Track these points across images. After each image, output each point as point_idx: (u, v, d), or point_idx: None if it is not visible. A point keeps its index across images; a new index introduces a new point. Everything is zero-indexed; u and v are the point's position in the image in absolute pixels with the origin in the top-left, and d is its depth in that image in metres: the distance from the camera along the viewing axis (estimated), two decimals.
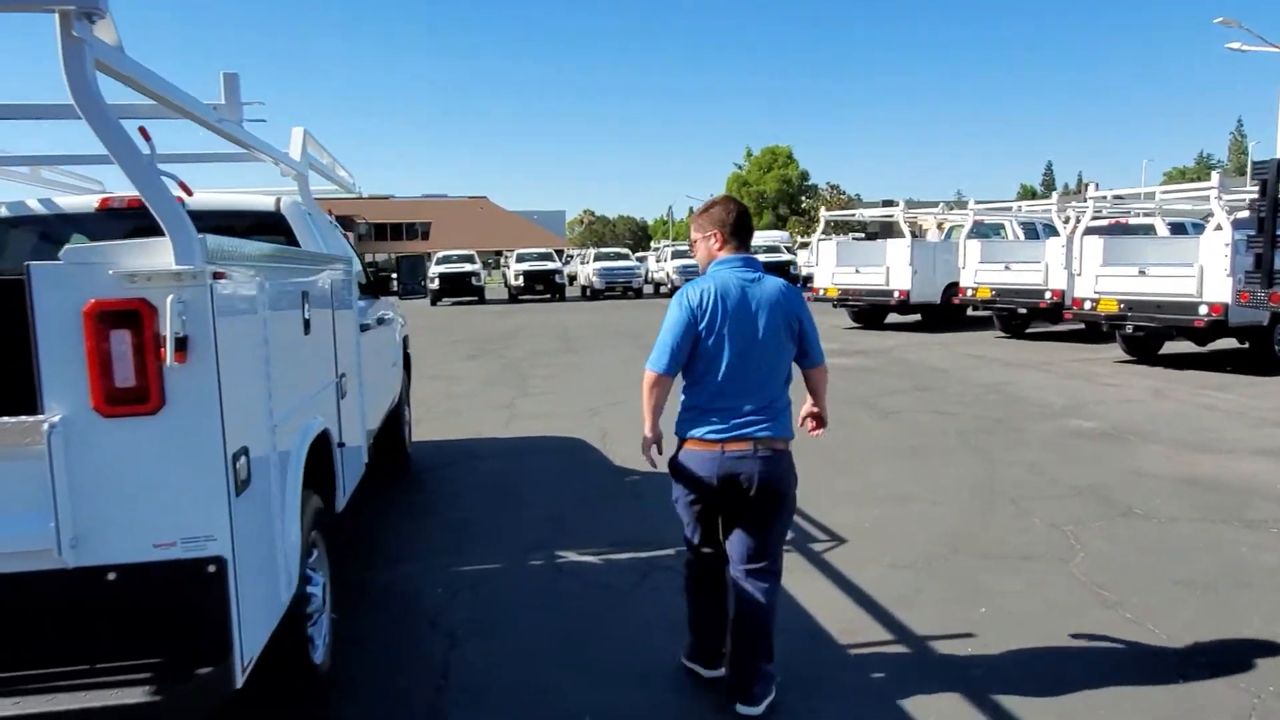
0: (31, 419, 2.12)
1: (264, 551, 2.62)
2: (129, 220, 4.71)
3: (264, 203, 4.81)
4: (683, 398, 3.33)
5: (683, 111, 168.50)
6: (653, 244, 71.95)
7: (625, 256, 36.24)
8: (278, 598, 2.77)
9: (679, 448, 3.36)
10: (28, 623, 2.25)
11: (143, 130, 2.15)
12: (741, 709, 3.24)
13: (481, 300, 32.73)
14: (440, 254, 35.32)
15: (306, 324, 3.35)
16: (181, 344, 2.17)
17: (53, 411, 2.16)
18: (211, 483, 2.27)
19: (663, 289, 35.05)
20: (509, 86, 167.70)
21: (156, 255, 2.18)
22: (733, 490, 3.24)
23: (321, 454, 3.75)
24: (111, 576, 2.23)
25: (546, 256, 35.07)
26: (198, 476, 2.26)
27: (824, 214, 20.81)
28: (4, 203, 4.62)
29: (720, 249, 3.34)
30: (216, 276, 2.28)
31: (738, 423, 3.21)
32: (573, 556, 5.09)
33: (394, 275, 6.55)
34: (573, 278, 39.91)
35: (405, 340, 7.55)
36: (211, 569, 2.27)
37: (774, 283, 3.30)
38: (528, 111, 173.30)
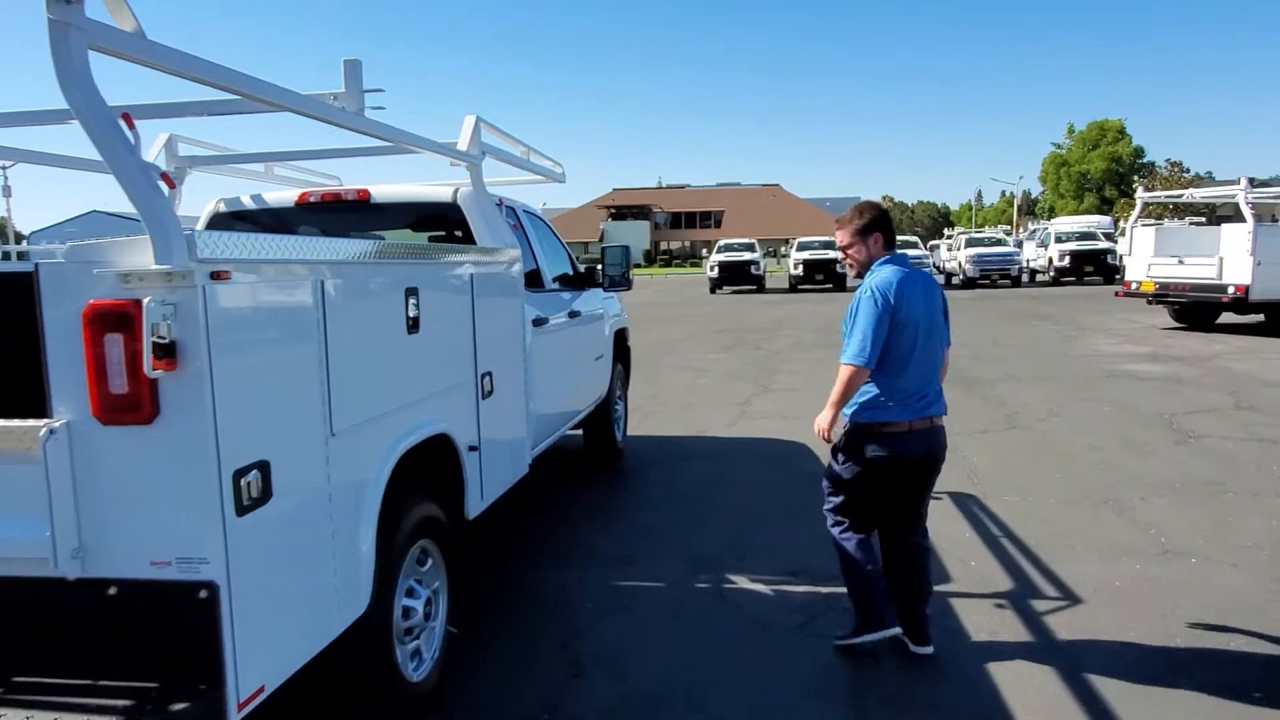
0: (28, 423, 2.05)
1: (294, 571, 2.42)
2: (324, 213, 4.89)
3: (442, 194, 4.76)
4: (868, 385, 3.56)
5: (991, 87, 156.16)
6: (945, 232, 67.47)
7: (915, 245, 34.09)
8: (326, 619, 2.57)
9: (864, 431, 3.61)
10: (31, 631, 2.22)
11: (126, 117, 1.99)
12: (920, 649, 3.69)
13: (760, 289, 32.38)
14: (721, 242, 35.43)
15: (413, 322, 3.15)
16: (167, 350, 2.00)
17: (59, 416, 2.08)
18: (204, 502, 2.08)
19: (955, 280, 32.57)
20: (804, 72, 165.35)
21: (146, 254, 2.02)
22: (922, 465, 3.65)
23: (439, 458, 3.58)
24: (112, 591, 2.13)
25: (829, 245, 33.78)
26: (190, 494, 2.08)
27: (1141, 194, 17.89)
28: (224, 199, 4.96)
29: (882, 250, 3.66)
30: (216, 277, 2.08)
31: (921, 404, 3.60)
32: (743, 582, 4.57)
33: (600, 267, 6.35)
34: None
35: (622, 333, 7.36)
36: (203, 594, 2.09)
37: (925, 274, 3.74)
38: (823, 97, 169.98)
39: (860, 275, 3.67)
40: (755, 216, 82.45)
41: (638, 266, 69.71)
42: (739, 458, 7.33)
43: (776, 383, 11.18)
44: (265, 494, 2.25)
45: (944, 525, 5.24)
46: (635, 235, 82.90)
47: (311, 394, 2.50)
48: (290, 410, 2.39)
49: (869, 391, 3.57)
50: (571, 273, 6.39)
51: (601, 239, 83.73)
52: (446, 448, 3.56)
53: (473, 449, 3.78)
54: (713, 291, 32.28)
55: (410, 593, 3.26)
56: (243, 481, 2.16)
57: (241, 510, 2.15)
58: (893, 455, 3.56)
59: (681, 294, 33.38)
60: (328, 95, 3.21)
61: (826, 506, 3.85)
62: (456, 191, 4.71)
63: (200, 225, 4.93)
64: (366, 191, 4.81)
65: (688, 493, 6.30)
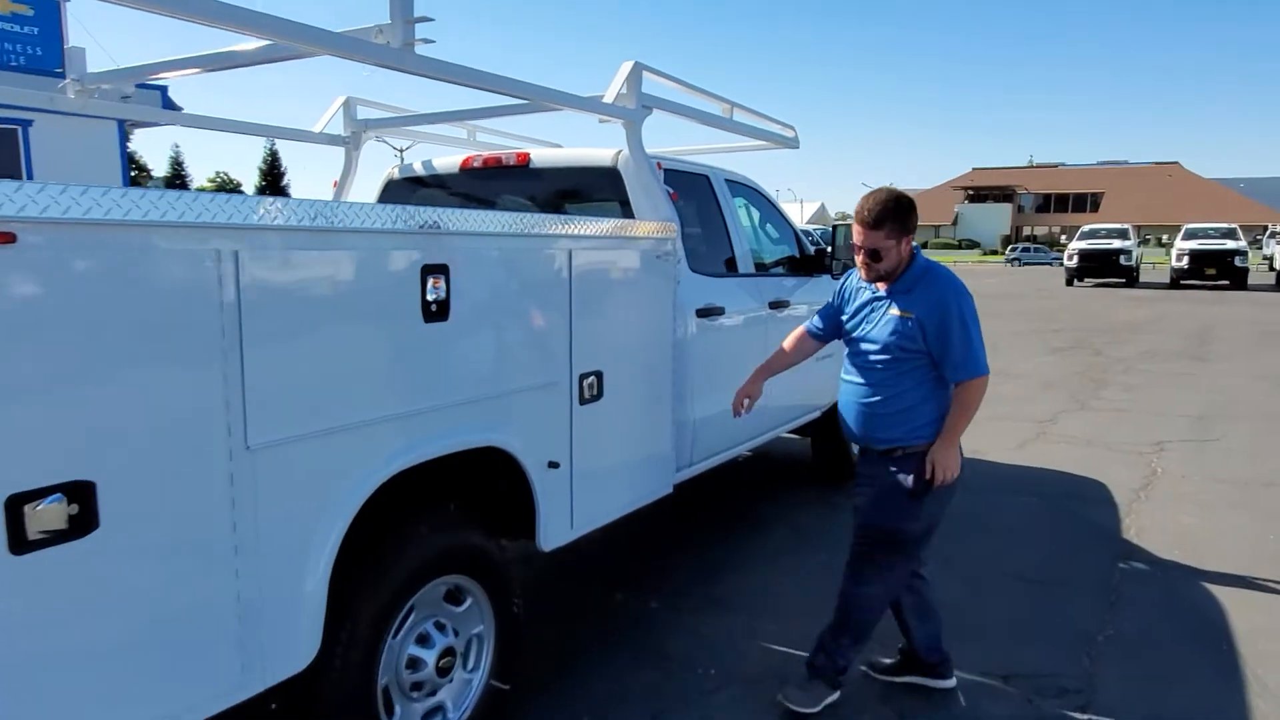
0: None
1: (121, 620, 1.88)
2: (486, 179, 4.45)
3: (601, 158, 4.08)
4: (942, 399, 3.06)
5: None
6: None
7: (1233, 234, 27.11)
8: (210, 676, 2.03)
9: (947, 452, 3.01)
10: None
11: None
12: (944, 684, 3.33)
13: (1130, 283, 27.75)
14: (1086, 227, 30.92)
15: (436, 307, 2.51)
16: None
17: None
18: None
19: None
20: (1204, 35, 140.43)
21: None
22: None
23: (494, 475, 2.94)
24: None
25: (1228, 234, 28.01)
26: None
27: None
28: (398, 166, 4.71)
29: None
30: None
31: None
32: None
33: (830, 249, 5.30)
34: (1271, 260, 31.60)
35: None
36: None
37: None
38: (1232, 60, 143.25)
39: (881, 279, 3.05)
40: (1143, 199, 72.24)
41: (991, 254, 64.20)
42: (1005, 493, 5.86)
43: (1100, 399, 9.12)
44: (81, 526, 1.74)
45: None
46: (994, 220, 76.54)
47: (206, 398, 1.95)
48: (147, 416, 1.86)
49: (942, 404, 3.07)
50: (798, 255, 5.41)
51: (954, 223, 78.43)
52: (504, 463, 2.90)
53: (553, 465, 3.08)
54: (1069, 283, 28.31)
55: (424, 640, 2.66)
56: (30, 510, 1.66)
57: (21, 549, 1.65)
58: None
59: (1033, 285, 29.78)
60: (372, 30, 2.65)
61: (894, 564, 3.13)
62: (619, 155, 4.00)
63: (375, 195, 4.73)
64: (526, 155, 4.28)
65: None
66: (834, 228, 5.30)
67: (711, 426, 4.16)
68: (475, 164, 4.39)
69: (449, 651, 2.70)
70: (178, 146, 74.01)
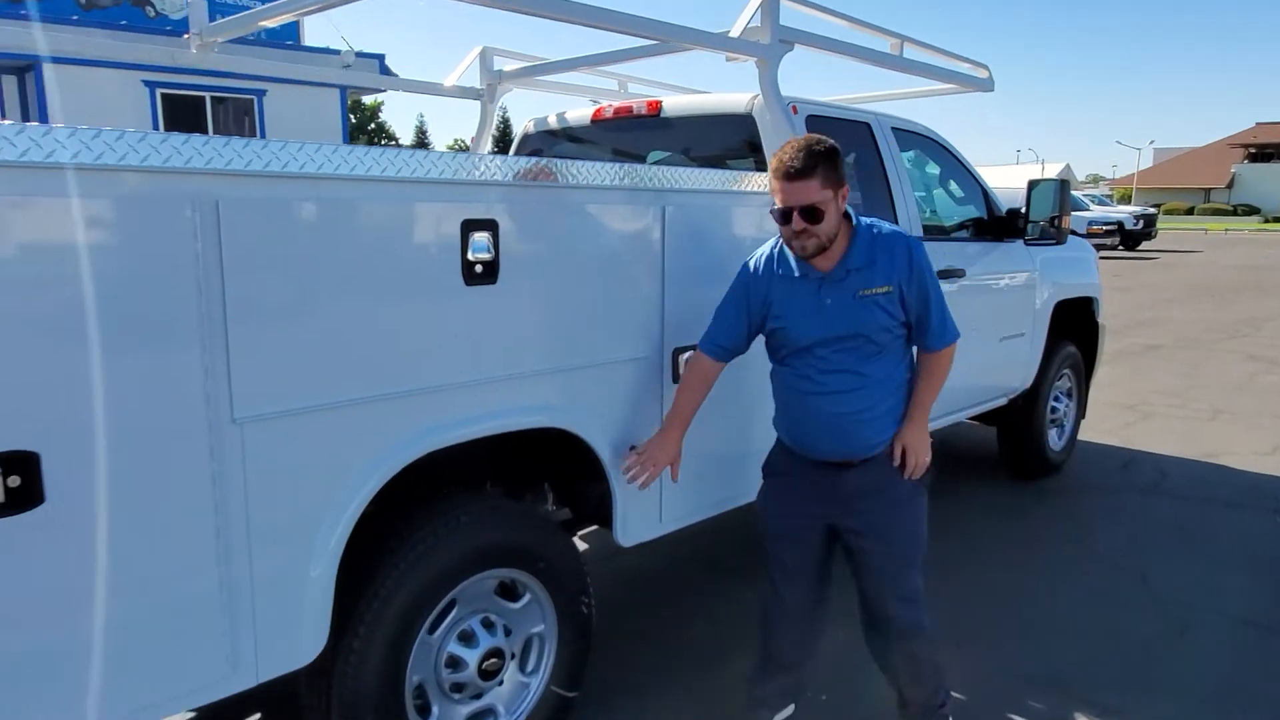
0: None
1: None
2: (618, 130, 4.11)
3: (735, 103, 3.59)
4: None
5: None
6: None
7: None
8: (188, 667, 1.86)
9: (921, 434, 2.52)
10: None
11: None
12: None
13: None
14: None
15: (476, 268, 2.20)
16: None
17: None
18: None
19: None
20: None
21: None
22: None
23: (560, 457, 2.62)
24: None
25: None
26: None
27: None
28: (534, 118, 4.46)
29: None
30: None
31: None
32: None
33: (1024, 210, 4.51)
34: None
35: (1075, 306, 5.31)
36: None
37: None
38: None
39: (821, 252, 2.35)
40: None
41: (1273, 221, 55.93)
42: (1240, 508, 4.82)
43: None
44: (21, 500, 1.58)
45: None
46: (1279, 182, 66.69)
47: (179, 365, 1.75)
48: (106, 385, 1.67)
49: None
50: (986, 217, 4.66)
51: (1229, 185, 69.20)
52: (574, 447, 2.57)
53: (636, 450, 2.71)
54: None
55: (467, 637, 2.40)
56: None
57: None
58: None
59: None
60: None
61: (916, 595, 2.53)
62: (754, 100, 3.51)
63: (513, 150, 4.53)
64: (658, 103, 3.88)
65: (1104, 550, 4.26)
66: (1029, 184, 4.50)
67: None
68: (607, 114, 4.06)
69: (495, 653, 2.43)
70: (422, 115, 79.18)
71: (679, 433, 2.61)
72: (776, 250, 2.50)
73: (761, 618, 2.68)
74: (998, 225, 4.61)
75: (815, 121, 3.55)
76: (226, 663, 1.90)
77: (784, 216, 2.31)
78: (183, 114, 12.72)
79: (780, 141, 3.39)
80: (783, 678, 2.68)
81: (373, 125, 56.02)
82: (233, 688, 1.92)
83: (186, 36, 3.53)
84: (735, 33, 3.23)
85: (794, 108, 3.45)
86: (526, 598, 2.55)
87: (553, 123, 4.35)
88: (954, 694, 2.74)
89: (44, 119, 11.53)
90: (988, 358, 4.52)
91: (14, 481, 1.57)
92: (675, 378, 2.80)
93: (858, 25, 3.84)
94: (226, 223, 1.77)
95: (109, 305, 1.65)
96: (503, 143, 13.75)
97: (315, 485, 2.00)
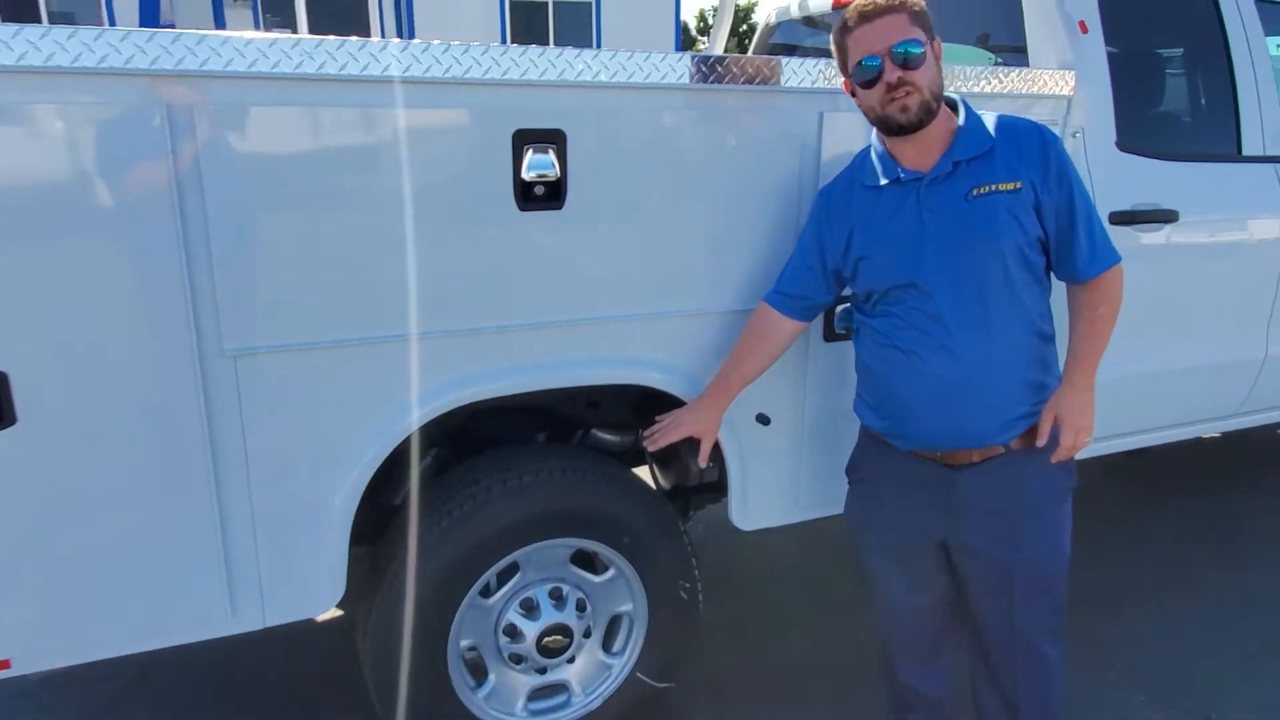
0: None
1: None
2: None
3: None
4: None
5: None
6: None
7: None
8: (181, 605, 1.78)
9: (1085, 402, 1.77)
10: None
11: None
12: None
13: None
14: None
15: (536, 189, 1.83)
16: None
17: None
18: None
19: None
20: None
21: None
22: None
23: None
24: None
25: None
26: None
27: None
28: (775, 9, 3.84)
29: None
30: None
31: None
32: None
33: None
34: None
35: None
36: None
37: None
38: None
39: (919, 119, 1.64)
40: None
41: None
42: None
43: None
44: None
45: None
46: None
47: (159, 290, 1.62)
48: (81, 305, 1.58)
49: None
50: None
51: None
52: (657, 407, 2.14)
53: (763, 420, 2.22)
54: None
55: (529, 606, 2.14)
56: None
57: None
58: None
59: None
60: None
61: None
62: None
63: (753, 45, 3.99)
64: None
65: None
66: None
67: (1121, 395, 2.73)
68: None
69: (558, 629, 2.14)
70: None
71: (718, 401, 2.01)
72: (859, 159, 1.86)
73: (880, 655, 2.12)
74: None
75: None
76: (225, 601, 1.82)
77: (869, 71, 1.66)
78: (526, 21, 13.41)
79: (1041, 21, 2.58)
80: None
81: (744, 26, 55.25)
82: (233, 628, 1.84)
83: None
84: None
85: None
86: (611, 572, 2.22)
87: (793, 12, 3.73)
88: None
89: (411, 34, 12.81)
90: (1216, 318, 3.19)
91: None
92: (826, 336, 2.24)
93: None
94: (201, 129, 1.58)
95: (82, 220, 1.54)
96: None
97: (329, 433, 1.81)
